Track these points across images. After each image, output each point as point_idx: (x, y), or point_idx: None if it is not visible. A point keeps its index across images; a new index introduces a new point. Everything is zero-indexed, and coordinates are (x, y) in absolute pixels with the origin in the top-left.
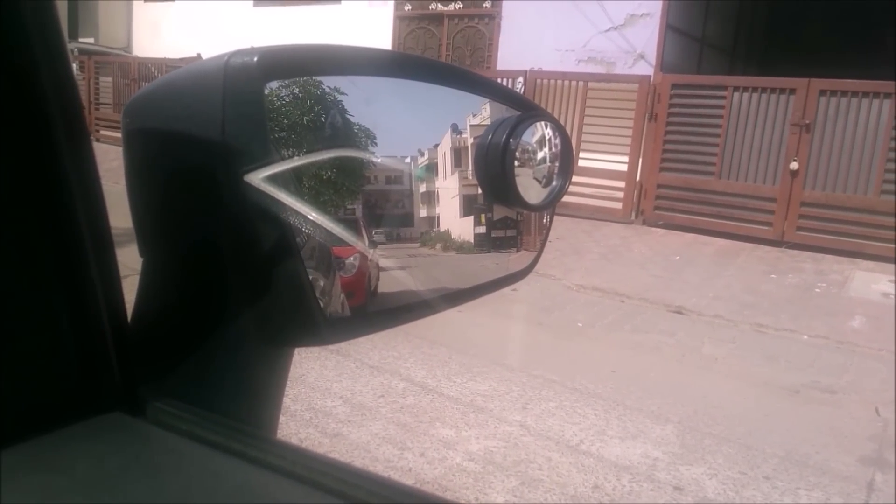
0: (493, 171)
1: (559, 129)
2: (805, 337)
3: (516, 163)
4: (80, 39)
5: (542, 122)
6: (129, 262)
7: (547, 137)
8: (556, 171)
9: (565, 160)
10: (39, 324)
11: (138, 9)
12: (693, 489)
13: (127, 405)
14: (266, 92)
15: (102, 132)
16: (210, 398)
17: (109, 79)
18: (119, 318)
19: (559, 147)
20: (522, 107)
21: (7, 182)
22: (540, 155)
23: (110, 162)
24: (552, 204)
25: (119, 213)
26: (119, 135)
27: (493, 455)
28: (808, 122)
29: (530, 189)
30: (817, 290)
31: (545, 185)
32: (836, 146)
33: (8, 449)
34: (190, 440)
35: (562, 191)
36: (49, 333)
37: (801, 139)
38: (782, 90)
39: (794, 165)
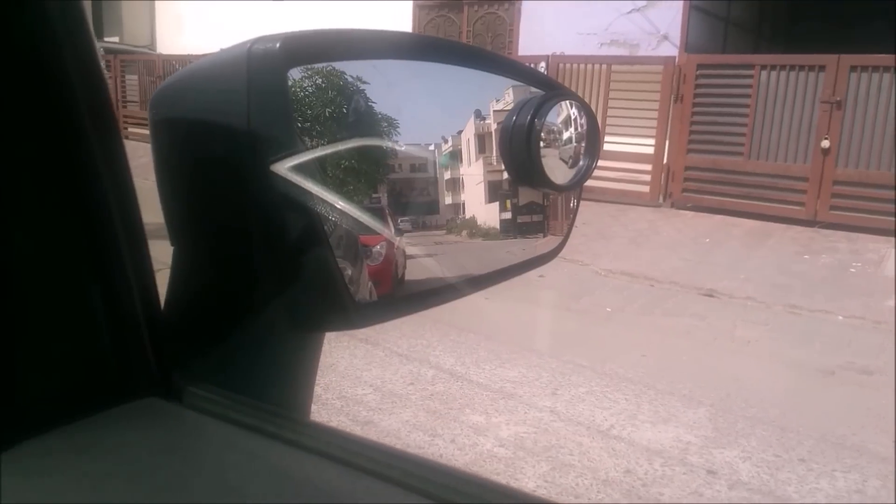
0: (519, 153)
1: (585, 108)
2: (840, 318)
3: (542, 143)
4: (105, 39)
5: (568, 102)
6: (160, 257)
7: (573, 117)
8: (582, 150)
9: (592, 140)
10: (75, 313)
11: (160, 6)
12: (726, 472)
13: (162, 390)
14: (289, 80)
15: (130, 129)
16: (243, 383)
17: (135, 77)
18: (152, 306)
19: (585, 126)
20: (547, 87)
21: (41, 180)
22: (566, 135)
23: (139, 158)
24: (579, 184)
25: (150, 207)
26: (146, 131)
27: (523, 441)
28: (838, 98)
29: (556, 170)
30: (852, 269)
31: (572, 166)
32: (868, 123)
33: (48, 434)
34: (224, 423)
35: (589, 170)
36: (85, 322)
37: (832, 117)
38: (811, 67)
39: (825, 143)
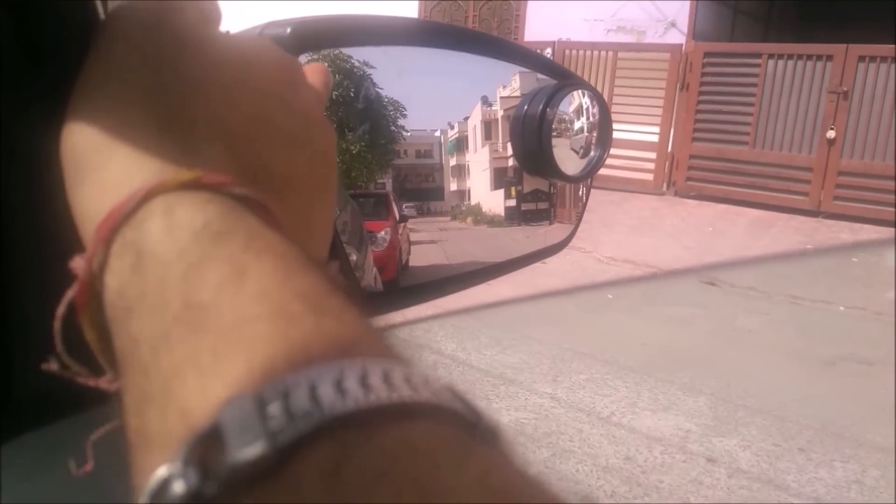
0: (530, 142)
1: (597, 97)
2: (841, 308)
3: (553, 133)
4: None
5: (580, 91)
6: None
7: (585, 107)
8: (593, 141)
9: (603, 130)
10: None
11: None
12: (726, 461)
13: None
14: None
15: None
16: None
17: None
18: None
19: (597, 117)
20: (559, 75)
21: None
22: (577, 125)
23: None
24: (589, 175)
25: None
26: None
27: (524, 427)
28: (845, 89)
29: (567, 160)
30: (854, 259)
31: (583, 156)
32: (874, 114)
33: (11, 441)
34: None
35: (600, 161)
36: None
37: (839, 107)
38: (819, 57)
39: (830, 134)
